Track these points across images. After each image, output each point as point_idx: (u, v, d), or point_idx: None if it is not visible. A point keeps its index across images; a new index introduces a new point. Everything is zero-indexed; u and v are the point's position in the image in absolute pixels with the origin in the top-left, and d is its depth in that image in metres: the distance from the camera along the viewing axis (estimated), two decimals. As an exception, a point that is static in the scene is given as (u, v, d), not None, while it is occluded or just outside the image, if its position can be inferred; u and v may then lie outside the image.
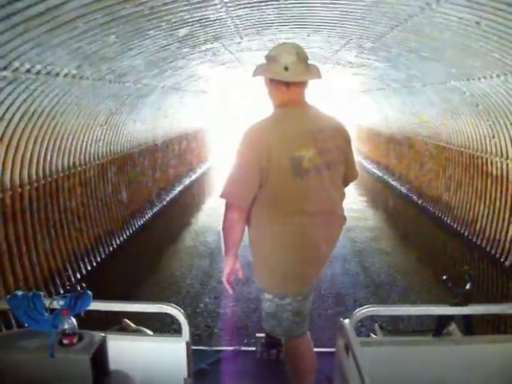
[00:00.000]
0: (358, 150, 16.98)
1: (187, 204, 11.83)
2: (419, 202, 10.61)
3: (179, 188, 12.48)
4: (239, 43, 6.58)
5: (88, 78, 5.11)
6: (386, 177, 13.81)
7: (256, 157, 2.07)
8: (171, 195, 11.62)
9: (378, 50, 6.47)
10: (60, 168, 5.98)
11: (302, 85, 2.21)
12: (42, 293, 2.05)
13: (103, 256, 7.11)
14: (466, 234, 7.99)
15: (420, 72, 7.46)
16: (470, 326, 2.19)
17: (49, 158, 5.61)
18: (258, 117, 2.22)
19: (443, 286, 2.18)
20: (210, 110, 16.36)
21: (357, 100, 15.91)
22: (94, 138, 6.93)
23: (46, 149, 5.49)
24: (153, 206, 10.02)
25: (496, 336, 2.25)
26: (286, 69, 2.12)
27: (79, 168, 6.55)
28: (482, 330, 2.60)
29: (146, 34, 4.36)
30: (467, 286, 2.14)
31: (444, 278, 2.16)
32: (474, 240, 7.60)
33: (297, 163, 2.08)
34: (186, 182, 13.43)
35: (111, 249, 7.45)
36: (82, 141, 6.49)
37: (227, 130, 21.20)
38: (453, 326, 2.41)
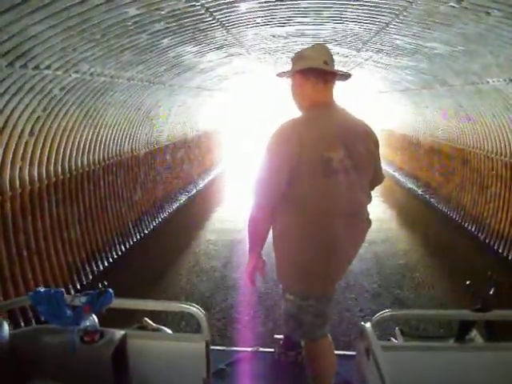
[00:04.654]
0: (387, 159, 14.42)
1: (178, 230, 9.30)
2: (480, 236, 8.01)
3: (171, 208, 10.07)
4: (233, 6, 4.09)
5: None
6: (427, 196, 11.34)
7: (286, 154, 2.01)
8: (158, 219, 9.20)
9: (461, 14, 3.92)
10: None
11: (334, 84, 2.16)
12: (63, 290, 2.01)
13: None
14: None
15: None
16: (493, 332, 2.14)
17: None
18: (282, 116, 2.14)
19: None
20: (219, 110, 13.98)
21: (388, 101, 13.37)
22: (11, 155, 4.52)
23: None
24: (126, 239, 7.58)
25: None
26: (326, 63, 2.08)
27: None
28: (504, 337, 2.12)
29: None
30: (491, 292, 2.07)
31: (467, 283, 2.16)
32: None
33: (326, 163, 2.02)
34: (183, 199, 11.01)
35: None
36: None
37: (244, 130, 19.11)
38: (474, 332, 2.26)
